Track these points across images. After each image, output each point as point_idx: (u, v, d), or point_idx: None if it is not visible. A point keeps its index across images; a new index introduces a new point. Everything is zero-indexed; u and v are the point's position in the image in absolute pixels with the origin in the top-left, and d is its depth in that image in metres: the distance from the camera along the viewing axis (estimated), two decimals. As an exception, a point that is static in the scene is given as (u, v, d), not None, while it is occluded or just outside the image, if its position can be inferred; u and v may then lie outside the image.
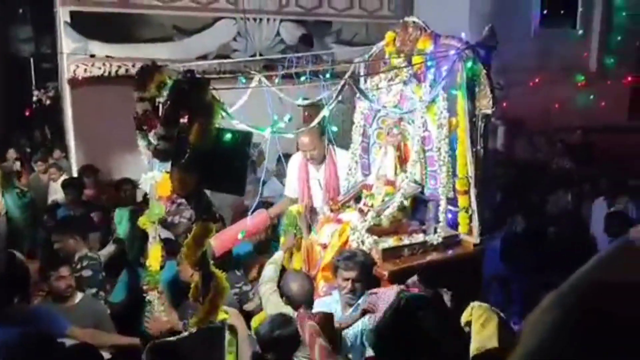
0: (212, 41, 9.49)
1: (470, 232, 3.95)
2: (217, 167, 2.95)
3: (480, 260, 3.97)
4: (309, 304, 3.59)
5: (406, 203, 4.11)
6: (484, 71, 3.71)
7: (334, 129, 4.16)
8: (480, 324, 2.98)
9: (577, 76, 9.47)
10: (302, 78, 3.88)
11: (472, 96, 3.76)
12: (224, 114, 2.97)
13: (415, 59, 3.96)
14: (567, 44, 9.53)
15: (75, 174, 8.16)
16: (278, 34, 9.70)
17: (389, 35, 4.24)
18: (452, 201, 3.96)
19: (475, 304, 3.08)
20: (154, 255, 3.87)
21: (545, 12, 9.42)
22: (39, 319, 3.84)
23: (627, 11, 9.47)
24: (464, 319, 3.05)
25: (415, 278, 3.34)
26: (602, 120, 9.17)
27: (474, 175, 3.81)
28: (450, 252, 3.93)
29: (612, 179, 7.36)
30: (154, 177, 3.72)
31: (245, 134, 3.01)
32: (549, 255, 6.33)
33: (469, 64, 3.68)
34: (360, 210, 3.99)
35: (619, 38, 9.47)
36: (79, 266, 4.59)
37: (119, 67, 8.74)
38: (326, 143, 4.41)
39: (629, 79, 9.37)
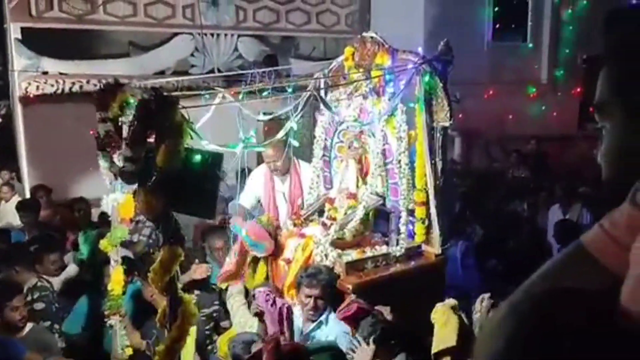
0: (169, 57, 9.42)
1: (430, 243, 4.01)
2: (187, 190, 2.87)
3: (442, 270, 4.03)
4: None
5: (371, 215, 4.15)
6: (441, 85, 3.79)
7: (295, 143, 4.16)
8: (441, 323, 3.07)
9: (529, 88, 9.76)
10: (265, 93, 3.90)
11: (430, 109, 3.83)
12: (193, 134, 2.92)
13: (374, 73, 4.02)
14: (518, 57, 9.83)
15: (27, 195, 7.92)
16: (236, 49, 9.71)
17: (348, 50, 4.29)
18: (413, 213, 4.02)
19: (439, 305, 3.15)
20: (117, 278, 3.79)
21: (497, 26, 9.70)
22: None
23: (574, 25, 9.84)
24: (432, 319, 3.14)
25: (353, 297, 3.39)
26: (554, 130, 9.46)
27: (433, 186, 3.87)
28: (412, 263, 3.98)
29: (566, 186, 7.58)
30: (116, 199, 3.65)
31: (216, 155, 2.94)
32: (507, 263, 6.49)
33: (426, 78, 3.76)
34: (324, 224, 4.01)
35: (567, 51, 9.83)
36: (29, 297, 4.34)
37: (73, 84, 8.58)
38: (291, 155, 4.44)
39: (578, 90, 9.72)
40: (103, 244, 3.74)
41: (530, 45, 9.98)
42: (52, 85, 8.52)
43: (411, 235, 4.09)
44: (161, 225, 2.94)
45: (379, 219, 4.24)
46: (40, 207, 6.92)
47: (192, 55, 9.53)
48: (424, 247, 4.04)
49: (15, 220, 6.74)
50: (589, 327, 0.76)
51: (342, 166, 4.29)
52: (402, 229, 3.95)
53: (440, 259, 3.99)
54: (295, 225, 4.18)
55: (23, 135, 8.46)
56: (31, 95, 8.34)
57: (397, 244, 4.00)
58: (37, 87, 8.42)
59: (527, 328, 0.79)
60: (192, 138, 2.88)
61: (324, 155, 4.47)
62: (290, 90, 4.03)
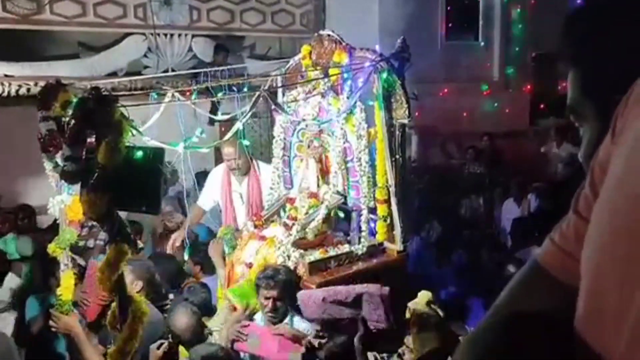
0: (121, 58, 9.17)
1: (392, 240, 3.99)
2: (129, 186, 2.85)
3: (404, 267, 4.03)
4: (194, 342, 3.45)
5: (332, 214, 4.11)
6: (399, 82, 3.78)
7: (246, 142, 4.10)
8: (418, 326, 3.03)
9: (482, 85, 9.93)
10: (220, 93, 3.83)
11: (388, 106, 3.82)
12: (134, 131, 2.88)
13: (332, 72, 3.99)
14: (471, 55, 9.98)
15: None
16: (190, 49, 9.52)
17: (305, 48, 4.24)
18: (374, 210, 4.00)
19: (411, 304, 3.12)
20: (66, 283, 3.62)
21: (449, 25, 9.82)
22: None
23: (524, 24, 10.05)
24: (407, 316, 3.10)
25: None
26: (506, 126, 9.64)
27: (393, 183, 3.86)
28: (375, 260, 3.96)
29: (519, 180, 7.74)
30: (62, 201, 3.52)
31: (157, 151, 2.94)
32: (465, 257, 6.56)
33: (384, 75, 3.75)
34: (285, 225, 3.95)
35: (517, 49, 10.04)
36: None
37: (20, 86, 8.25)
38: (247, 155, 4.38)
39: (528, 86, 9.94)
40: (51, 247, 3.57)
41: (482, 43, 10.15)
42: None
43: (373, 233, 4.07)
44: (106, 224, 2.86)
45: (341, 217, 4.21)
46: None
47: (145, 56, 9.30)
48: (386, 244, 4.03)
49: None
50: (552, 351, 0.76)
51: (302, 165, 4.24)
52: (364, 227, 3.93)
53: (402, 256, 3.99)
54: (255, 226, 4.11)
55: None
56: (-24, 98, 7.97)
57: (359, 242, 3.98)
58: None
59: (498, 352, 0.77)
60: (133, 135, 2.83)
61: (283, 154, 4.41)
62: (245, 89, 3.98)
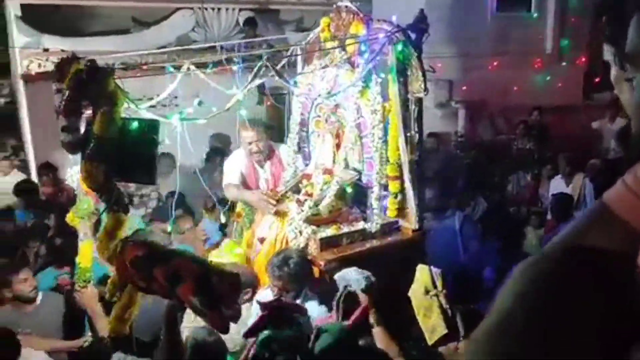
0: (170, 33, 9.22)
1: (406, 218, 3.81)
2: (125, 157, 2.88)
3: (420, 246, 3.83)
4: None
5: (349, 190, 3.97)
6: (415, 54, 3.54)
7: (243, 112, 3.83)
8: (422, 314, 2.88)
9: (534, 58, 9.37)
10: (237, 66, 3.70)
11: (404, 80, 3.60)
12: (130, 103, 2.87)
13: (348, 44, 3.80)
14: (523, 27, 9.41)
15: (33, 172, 7.89)
16: (237, 23, 9.47)
17: (324, 20, 4.06)
18: (387, 187, 3.83)
19: (410, 292, 2.96)
20: (85, 252, 3.66)
21: (500, -5, 9.31)
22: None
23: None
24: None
25: None
26: (558, 101, 9.10)
27: (407, 160, 3.66)
28: (389, 239, 3.79)
29: (569, 157, 7.31)
30: (79, 172, 3.54)
31: (152, 122, 2.93)
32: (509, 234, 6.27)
33: (399, 47, 3.52)
34: (298, 201, 3.83)
35: (573, 20, 9.38)
36: None
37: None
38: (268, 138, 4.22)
39: (583, 59, 9.31)
40: (69, 217, 3.62)
41: (535, 14, 9.54)
42: (54, 63, 8.37)
43: (386, 210, 3.90)
44: (103, 194, 2.86)
45: (359, 194, 4.05)
46: (36, 187, 6.88)
47: (193, 30, 9.33)
48: (401, 222, 3.85)
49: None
50: (606, 287, 0.73)
51: (319, 141, 4.10)
52: (375, 203, 3.76)
53: (417, 235, 3.80)
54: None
55: (26, 112, 8.38)
56: (33, 73, 8.21)
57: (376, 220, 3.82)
58: (39, 65, 8.29)
59: (541, 285, 0.76)
60: (128, 107, 2.80)
61: (301, 130, 4.26)
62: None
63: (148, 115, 3.01)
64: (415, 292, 2.92)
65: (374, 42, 3.60)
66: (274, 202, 3.87)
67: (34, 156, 8.37)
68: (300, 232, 3.66)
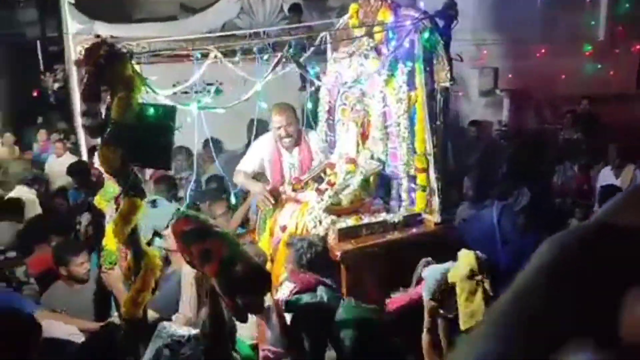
0: (215, 19, 9.24)
1: (430, 211, 3.67)
2: (141, 142, 2.83)
3: (442, 240, 3.68)
4: None
5: (371, 181, 3.86)
6: (442, 42, 3.38)
7: (264, 105, 3.71)
8: (464, 298, 2.80)
9: (585, 46, 8.89)
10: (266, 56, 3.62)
11: (430, 69, 3.44)
12: (148, 89, 2.85)
13: (376, 31, 3.66)
14: (573, 13, 8.94)
15: (85, 155, 8.10)
16: (281, 9, 9.39)
17: (353, 7, 3.94)
18: (415, 179, 3.69)
19: (452, 275, 2.86)
20: (111, 235, 3.70)
21: (552, -20, 8.85)
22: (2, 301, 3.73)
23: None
24: (450, 278, 2.86)
25: None
26: (610, 90, 8.63)
27: (432, 152, 3.51)
28: (410, 231, 3.66)
29: (619, 148, 6.92)
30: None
31: (169, 108, 2.89)
32: (552, 226, 6.00)
33: (426, 35, 3.36)
34: (318, 190, 3.74)
35: (627, 5, 8.83)
36: None
37: (123, 46, 8.57)
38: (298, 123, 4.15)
39: (638, 47, 8.75)
40: (97, 200, 3.66)
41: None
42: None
43: (414, 202, 3.76)
44: (120, 178, 2.85)
45: (382, 184, 3.93)
46: (88, 168, 7.04)
47: (237, 17, 9.31)
48: (424, 215, 3.71)
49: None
50: (630, 268, 0.68)
51: (343, 130, 3.99)
52: (404, 195, 3.64)
53: (439, 228, 3.65)
54: (294, 190, 3.94)
55: (78, 97, 8.57)
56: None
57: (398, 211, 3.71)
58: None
59: (559, 259, 0.72)
60: (147, 92, 2.79)
61: (328, 118, 4.16)
62: (292, 50, 3.78)
63: (168, 102, 2.98)
64: (460, 275, 2.81)
65: (401, 30, 3.45)
66: (272, 201, 3.80)
67: (84, 139, 8.60)
68: (320, 222, 3.57)
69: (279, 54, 3.20)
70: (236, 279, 2.41)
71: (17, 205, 5.57)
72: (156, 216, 4.31)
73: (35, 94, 9.24)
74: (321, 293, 2.97)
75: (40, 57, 9.00)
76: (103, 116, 2.92)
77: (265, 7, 9.37)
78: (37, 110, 9.02)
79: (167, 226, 4.18)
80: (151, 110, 2.81)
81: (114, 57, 2.74)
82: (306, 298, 2.98)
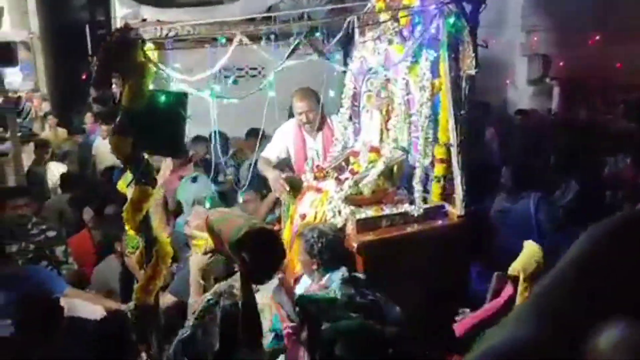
0: (261, 3, 9.18)
1: (453, 203, 3.50)
2: (151, 129, 2.81)
3: (464, 233, 3.51)
4: None
5: (396, 170, 3.72)
6: (468, 28, 3.18)
7: (272, 94, 3.50)
8: (524, 287, 2.79)
9: (642, 32, 8.33)
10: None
11: (455, 55, 3.25)
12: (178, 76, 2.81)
13: (401, 16, 3.49)
14: (631, -3, 8.39)
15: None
16: (326, -8, 9.24)
17: (381, -11, 3.77)
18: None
19: (515, 266, 2.78)
20: (130, 219, 3.73)
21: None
22: (32, 279, 3.82)
23: None
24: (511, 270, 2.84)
25: None
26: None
27: (456, 142, 3.34)
28: (432, 224, 3.50)
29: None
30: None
31: (179, 95, 2.85)
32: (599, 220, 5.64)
33: (451, 20, 3.17)
34: (337, 179, 3.62)
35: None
36: (35, 230, 4.55)
37: (169, 30, 8.63)
38: (320, 109, 4.05)
39: (701, 32, 8.14)
40: (120, 184, 3.68)
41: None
42: (151, 33, 8.61)
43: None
44: (132, 166, 2.84)
45: (408, 175, 3.78)
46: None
47: (282, 1, 9.22)
48: (448, 207, 3.54)
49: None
50: None
51: (367, 117, 3.85)
52: (417, 186, 3.48)
53: (462, 221, 3.47)
54: (315, 178, 3.85)
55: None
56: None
57: (425, 202, 3.55)
58: (137, 35, 8.56)
59: (596, 246, 0.74)
60: (163, 79, 2.74)
61: (353, 105, 4.03)
62: (318, 34, 3.68)
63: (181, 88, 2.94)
64: (525, 266, 2.78)
65: (426, 14, 3.28)
66: (287, 188, 3.72)
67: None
68: (339, 212, 3.46)
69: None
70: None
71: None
72: (196, 190, 4.67)
73: (83, 77, 9.48)
74: (334, 288, 2.87)
75: (89, 40, 9.21)
76: (115, 103, 2.92)
77: (310, -10, 9.24)
78: (85, 93, 9.21)
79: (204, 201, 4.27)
80: (162, 98, 2.77)
81: (125, 44, 2.71)
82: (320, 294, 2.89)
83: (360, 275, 3.09)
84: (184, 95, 2.86)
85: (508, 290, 2.91)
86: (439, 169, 3.44)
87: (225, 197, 5.04)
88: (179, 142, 2.96)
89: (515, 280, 2.86)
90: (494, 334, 0.75)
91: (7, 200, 4.49)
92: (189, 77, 3.27)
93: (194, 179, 4.75)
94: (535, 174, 6.38)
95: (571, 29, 8.32)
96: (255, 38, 3.62)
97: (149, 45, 2.98)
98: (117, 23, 8.62)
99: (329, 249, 3.11)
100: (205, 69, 3.30)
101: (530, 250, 2.91)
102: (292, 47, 3.07)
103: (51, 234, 4.58)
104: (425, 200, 3.58)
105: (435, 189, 3.49)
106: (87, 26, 9.08)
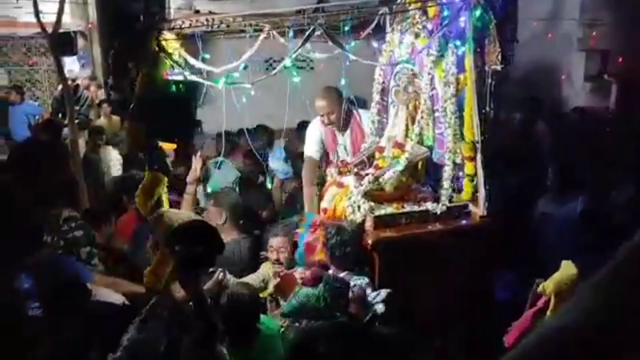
0: (309, -5, 9.14)
1: (476, 203, 3.36)
2: (162, 116, 2.84)
3: (485, 234, 3.36)
4: None
5: (420, 167, 3.61)
6: (494, 22, 3.02)
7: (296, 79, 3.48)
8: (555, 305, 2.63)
9: None
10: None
11: (481, 51, 3.10)
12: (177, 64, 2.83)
13: (429, 7, 3.36)
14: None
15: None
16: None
17: (412, -19, 3.64)
18: (463, 167, 3.40)
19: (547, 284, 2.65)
20: (160, 205, 3.78)
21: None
22: (63, 266, 3.91)
23: None
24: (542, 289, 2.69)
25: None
26: None
27: (479, 139, 3.19)
28: (454, 223, 3.37)
29: None
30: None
31: (190, 84, 2.87)
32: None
33: (477, 13, 3.02)
34: (357, 174, 3.54)
35: None
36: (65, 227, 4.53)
37: (221, 22, 8.73)
38: (343, 107, 3.96)
39: None
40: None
41: None
42: (203, 24, 8.73)
43: (461, 191, 3.47)
44: (146, 153, 2.88)
45: (432, 172, 3.66)
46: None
47: (331, -8, 9.14)
48: (471, 207, 3.40)
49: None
50: None
51: (394, 112, 3.74)
52: (446, 184, 3.35)
53: (484, 222, 3.32)
54: (340, 173, 3.78)
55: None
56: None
57: (450, 200, 3.43)
58: (190, 25, 8.70)
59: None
60: (173, 68, 2.75)
61: (382, 99, 3.93)
62: (347, 27, 3.60)
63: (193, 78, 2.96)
64: (557, 287, 2.66)
65: (452, 7, 3.14)
66: None
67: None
68: (359, 207, 3.39)
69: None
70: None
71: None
72: (220, 176, 4.69)
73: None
74: (321, 288, 2.82)
75: (144, 31, 9.41)
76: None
77: (360, -18, 9.13)
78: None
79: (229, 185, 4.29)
80: (174, 87, 2.79)
81: (139, 34, 2.75)
82: (305, 291, 2.85)
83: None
84: (194, 84, 2.88)
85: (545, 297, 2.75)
86: (469, 167, 3.30)
87: (251, 183, 5.01)
88: (189, 128, 3.00)
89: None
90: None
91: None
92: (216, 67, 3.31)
93: (220, 165, 4.77)
94: (586, 176, 6.03)
95: (632, 24, 7.82)
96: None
97: (169, 36, 3.01)
98: (172, 14, 8.78)
99: (343, 246, 3.07)
100: (236, 60, 3.29)
101: (566, 271, 2.72)
102: (305, 36, 3.01)
103: (78, 233, 4.57)
104: (451, 200, 3.46)
105: (467, 187, 3.35)
106: (141, 16, 9.29)
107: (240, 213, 3.83)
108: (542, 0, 8.73)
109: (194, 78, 2.98)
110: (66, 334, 3.12)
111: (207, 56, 4.76)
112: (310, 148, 4.25)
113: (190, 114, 2.90)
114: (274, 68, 3.48)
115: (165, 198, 3.85)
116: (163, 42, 2.85)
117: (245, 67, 3.05)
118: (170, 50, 2.92)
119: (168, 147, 3.83)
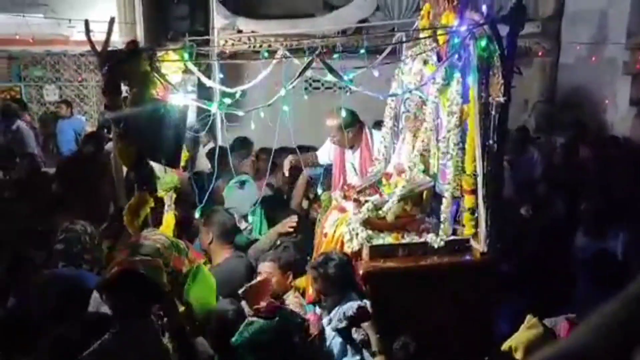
0: (352, 16, 9.10)
1: (477, 238, 3.17)
2: (151, 138, 2.84)
3: (485, 272, 3.17)
4: None
5: (424, 196, 3.46)
6: (499, 52, 2.85)
7: (285, 108, 3.39)
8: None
9: None
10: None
11: (486, 81, 2.94)
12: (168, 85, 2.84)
13: (439, 35, 3.23)
14: None
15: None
16: (418, 7, 8.94)
17: (425, 7, 3.54)
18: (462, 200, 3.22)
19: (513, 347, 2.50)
20: (167, 223, 3.75)
21: None
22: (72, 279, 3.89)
23: None
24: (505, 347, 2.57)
25: None
26: None
27: (482, 173, 3.02)
28: (453, 259, 3.19)
29: None
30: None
31: (181, 109, 2.90)
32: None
33: (483, 43, 2.87)
34: (356, 201, 3.42)
35: None
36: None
37: (262, 42, 8.80)
38: (346, 133, 4.01)
39: None
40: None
41: None
42: (245, 43, 8.83)
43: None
44: (135, 172, 2.87)
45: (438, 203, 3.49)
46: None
47: (373, 14, 9.08)
48: (472, 242, 3.22)
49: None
50: None
51: (401, 139, 3.61)
52: (444, 216, 3.19)
53: (484, 259, 3.13)
54: (345, 197, 3.67)
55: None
56: (227, 52, 8.77)
57: (454, 234, 3.27)
58: (233, 45, 8.81)
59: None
60: (165, 89, 2.76)
61: (394, 125, 3.81)
62: (363, 51, 3.50)
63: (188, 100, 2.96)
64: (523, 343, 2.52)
65: (458, 35, 2.99)
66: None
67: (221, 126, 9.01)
68: (357, 235, 3.27)
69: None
70: None
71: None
72: (241, 197, 4.32)
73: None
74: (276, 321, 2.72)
75: (188, 49, 9.61)
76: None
77: (401, 4, 9.01)
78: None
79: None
80: (163, 108, 2.78)
81: (130, 54, 2.75)
82: (259, 324, 2.73)
83: None
84: (184, 109, 2.86)
85: None
86: (468, 201, 3.12)
87: (277, 201, 4.80)
88: (177, 152, 2.97)
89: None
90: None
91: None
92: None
93: (242, 185, 4.52)
94: (624, 210, 5.55)
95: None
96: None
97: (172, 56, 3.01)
98: (215, 33, 8.91)
99: (332, 276, 2.96)
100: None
101: (534, 330, 2.53)
102: (305, 64, 2.91)
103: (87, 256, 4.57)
104: (455, 233, 3.28)
105: (467, 221, 3.17)
106: (186, 35, 9.49)
107: (230, 232, 3.72)
108: (587, 24, 8.37)
109: (190, 99, 2.96)
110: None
111: (221, 76, 4.77)
112: (321, 155, 4.49)
113: (178, 136, 2.88)
114: (315, 88, 3.48)
115: (171, 215, 3.88)
116: (158, 63, 2.84)
117: (242, 95, 3.01)
118: (167, 72, 2.91)
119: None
